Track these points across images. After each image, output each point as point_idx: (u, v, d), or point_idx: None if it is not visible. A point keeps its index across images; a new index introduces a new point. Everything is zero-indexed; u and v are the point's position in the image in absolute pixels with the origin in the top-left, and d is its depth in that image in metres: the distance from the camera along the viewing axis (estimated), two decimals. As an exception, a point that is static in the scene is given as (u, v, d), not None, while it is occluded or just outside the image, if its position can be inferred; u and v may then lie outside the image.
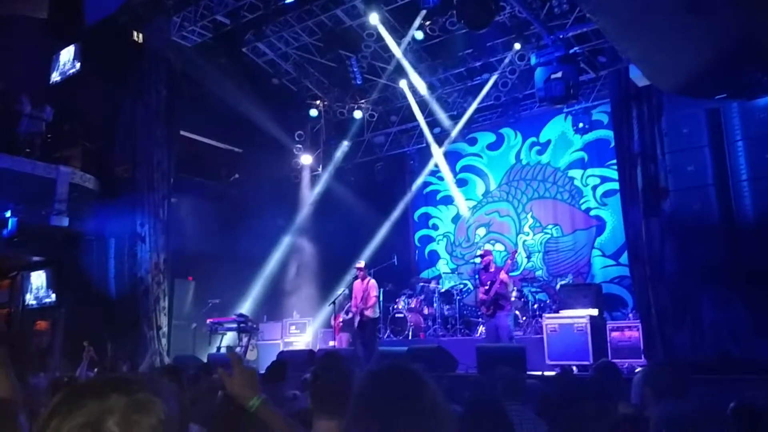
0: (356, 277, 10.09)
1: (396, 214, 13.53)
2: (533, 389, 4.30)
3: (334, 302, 10.65)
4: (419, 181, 13.89)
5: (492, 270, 9.24)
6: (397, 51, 11.48)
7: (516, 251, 11.12)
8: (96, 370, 7.73)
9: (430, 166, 13.53)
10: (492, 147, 13.58)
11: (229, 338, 11.60)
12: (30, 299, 12.32)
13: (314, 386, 2.49)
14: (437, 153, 13.08)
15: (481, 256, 9.54)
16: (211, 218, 13.33)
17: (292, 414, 2.72)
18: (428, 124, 12.93)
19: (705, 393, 5.60)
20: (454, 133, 12.64)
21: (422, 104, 12.70)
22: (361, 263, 10.09)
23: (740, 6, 4.90)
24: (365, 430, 1.36)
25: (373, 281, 9.94)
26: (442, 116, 12.68)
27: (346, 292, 10.97)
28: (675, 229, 7.77)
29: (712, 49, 5.70)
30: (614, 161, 9.74)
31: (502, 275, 9.00)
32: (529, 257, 12.54)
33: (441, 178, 13.85)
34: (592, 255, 11.92)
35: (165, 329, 11.16)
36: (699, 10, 5.00)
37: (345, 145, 13.72)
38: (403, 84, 12.49)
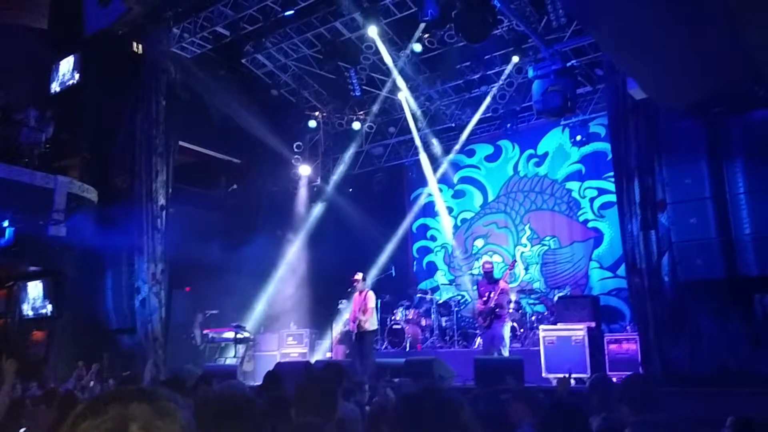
0: (354, 289, 10.05)
1: (394, 225, 13.55)
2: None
3: (332, 314, 10.62)
4: (424, 193, 13.93)
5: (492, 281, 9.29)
6: (393, 67, 11.57)
7: (515, 262, 11.12)
8: (92, 383, 7.70)
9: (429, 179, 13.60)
10: (490, 159, 13.62)
11: (226, 349, 11.56)
12: (27, 309, 12.24)
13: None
14: (431, 177, 13.22)
15: (484, 265, 9.61)
16: (209, 229, 13.30)
17: None
18: (424, 137, 13.02)
19: (703, 406, 5.60)
20: (448, 158, 12.95)
21: (418, 119, 12.82)
22: (358, 275, 10.03)
23: (731, 19, 4.94)
24: None
25: (370, 293, 9.90)
26: (435, 145, 12.98)
27: (345, 304, 10.94)
28: (672, 241, 7.78)
29: (706, 61, 5.74)
30: (611, 173, 9.76)
31: (502, 284, 9.03)
32: (526, 269, 12.53)
33: (440, 190, 13.86)
34: (590, 267, 11.93)
35: (162, 340, 11.11)
36: (690, 22, 5.05)
37: (346, 156, 13.77)
38: (401, 96, 12.55)
